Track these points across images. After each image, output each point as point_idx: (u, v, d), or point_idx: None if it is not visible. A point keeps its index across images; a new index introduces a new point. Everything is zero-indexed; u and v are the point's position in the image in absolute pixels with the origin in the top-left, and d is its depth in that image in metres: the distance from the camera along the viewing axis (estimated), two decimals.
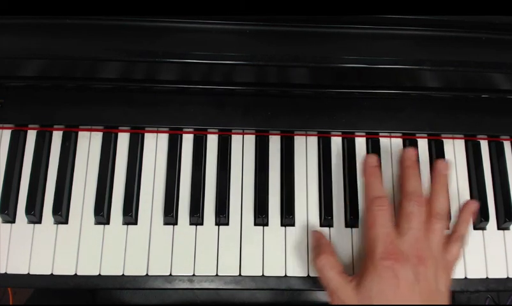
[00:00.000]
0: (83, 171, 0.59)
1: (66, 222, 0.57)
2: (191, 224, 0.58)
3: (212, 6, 0.50)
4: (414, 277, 0.47)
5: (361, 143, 0.61)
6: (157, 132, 0.61)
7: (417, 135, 0.62)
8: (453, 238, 0.53)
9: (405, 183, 0.54)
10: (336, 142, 0.61)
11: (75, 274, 0.55)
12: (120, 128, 0.60)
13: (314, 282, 0.56)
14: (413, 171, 0.55)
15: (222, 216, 0.57)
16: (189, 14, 0.52)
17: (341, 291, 0.49)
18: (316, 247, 0.54)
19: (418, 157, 0.58)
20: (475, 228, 0.59)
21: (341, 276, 0.50)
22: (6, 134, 0.60)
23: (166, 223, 0.57)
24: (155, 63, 0.53)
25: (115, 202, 0.58)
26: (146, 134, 0.61)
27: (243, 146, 0.61)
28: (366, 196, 0.53)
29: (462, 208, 0.56)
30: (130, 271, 0.55)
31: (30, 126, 0.60)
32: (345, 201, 0.59)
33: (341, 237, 0.58)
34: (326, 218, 0.57)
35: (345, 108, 0.60)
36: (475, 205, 0.56)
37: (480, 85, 0.59)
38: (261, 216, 0.57)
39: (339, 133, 0.61)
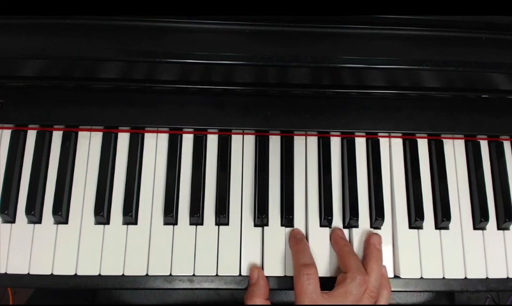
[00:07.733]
0: (83, 171, 0.59)
1: (66, 222, 0.57)
2: (191, 224, 0.58)
3: (212, 5, 0.50)
4: None
5: (360, 143, 0.61)
6: (157, 132, 0.61)
7: (417, 135, 0.62)
8: None
9: (348, 258, 0.54)
10: (336, 142, 0.61)
11: (75, 274, 0.55)
12: (120, 128, 0.60)
13: None
14: (351, 249, 0.55)
15: (222, 216, 0.57)
16: (189, 14, 0.52)
17: None
18: (252, 285, 0.54)
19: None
20: (475, 228, 0.59)
21: None
22: (6, 134, 0.60)
23: (166, 223, 0.57)
24: (155, 63, 0.53)
25: (115, 202, 0.58)
26: (146, 134, 0.61)
27: (243, 146, 0.61)
28: (294, 263, 0.54)
29: (382, 279, 0.55)
30: (130, 271, 0.55)
31: (30, 126, 0.60)
32: (344, 202, 0.59)
33: None
34: (326, 218, 0.57)
35: (344, 108, 0.60)
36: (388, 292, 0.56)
37: (480, 85, 0.59)
38: (261, 216, 0.57)
39: (339, 133, 0.61)
